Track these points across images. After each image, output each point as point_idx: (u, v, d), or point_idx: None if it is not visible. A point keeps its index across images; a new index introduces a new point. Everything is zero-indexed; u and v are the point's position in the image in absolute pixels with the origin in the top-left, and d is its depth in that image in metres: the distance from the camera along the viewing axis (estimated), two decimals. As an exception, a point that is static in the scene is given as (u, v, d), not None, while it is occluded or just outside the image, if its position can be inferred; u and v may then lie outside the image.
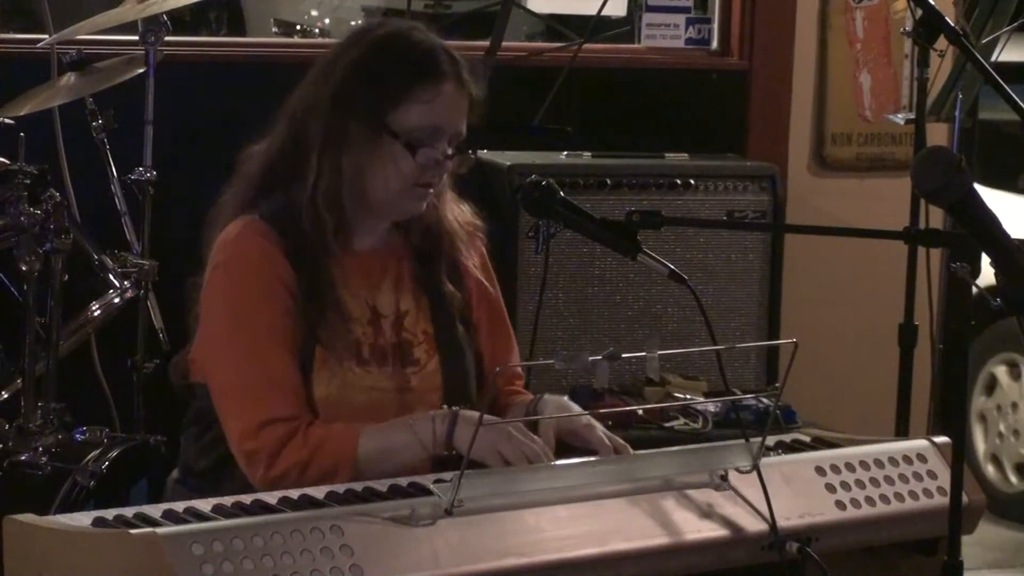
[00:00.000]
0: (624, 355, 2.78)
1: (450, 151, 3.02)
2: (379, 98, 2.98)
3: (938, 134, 4.95)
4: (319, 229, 2.99)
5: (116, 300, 4.17)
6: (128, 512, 2.56)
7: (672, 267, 2.93)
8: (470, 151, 3.09)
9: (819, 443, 3.08)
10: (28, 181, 3.90)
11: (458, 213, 3.16)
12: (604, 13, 5.28)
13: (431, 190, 3.04)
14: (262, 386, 2.93)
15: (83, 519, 2.51)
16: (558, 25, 5.92)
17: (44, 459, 3.72)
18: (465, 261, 3.17)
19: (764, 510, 2.73)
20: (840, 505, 2.84)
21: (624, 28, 6.25)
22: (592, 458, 2.89)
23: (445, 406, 2.95)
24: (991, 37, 4.68)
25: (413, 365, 3.07)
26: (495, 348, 3.20)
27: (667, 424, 4.51)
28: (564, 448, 2.97)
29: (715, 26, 5.66)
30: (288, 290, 2.97)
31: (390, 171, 3.00)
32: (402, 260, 3.12)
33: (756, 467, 2.76)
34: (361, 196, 3.02)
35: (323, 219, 2.99)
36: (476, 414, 2.88)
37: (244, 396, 2.94)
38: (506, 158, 4.89)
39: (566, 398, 3.14)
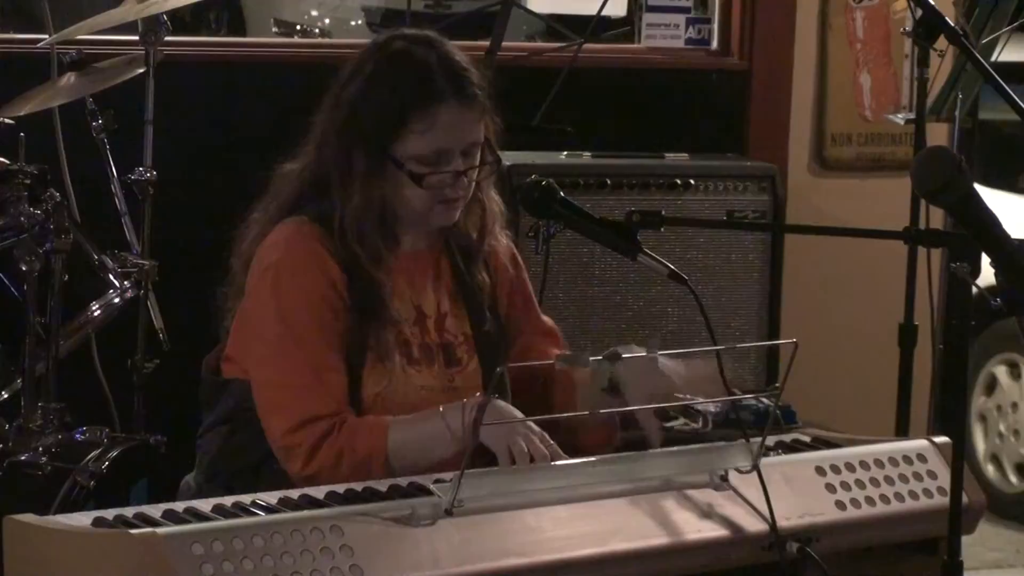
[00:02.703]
0: (624, 355, 2.77)
1: (465, 163, 3.03)
2: (379, 131, 3.01)
3: (938, 134, 4.95)
4: (353, 255, 3.03)
5: (116, 300, 4.16)
6: (128, 512, 2.55)
7: (672, 267, 2.93)
8: (495, 155, 3.11)
9: (819, 443, 3.08)
10: (28, 181, 3.90)
11: (496, 200, 3.20)
12: (604, 13, 5.27)
13: (458, 202, 3.07)
14: (307, 384, 2.96)
15: (83, 519, 2.51)
16: (558, 25, 5.91)
17: (44, 459, 3.72)
18: (497, 247, 3.21)
19: (764, 510, 2.73)
20: (840, 505, 2.84)
21: (624, 28, 6.26)
22: (592, 458, 2.89)
23: (478, 394, 2.98)
24: (991, 37, 4.68)
25: (456, 365, 3.12)
26: (528, 333, 3.24)
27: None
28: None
29: (715, 26, 5.66)
30: (337, 292, 3.02)
31: (404, 197, 3.04)
32: (441, 260, 3.17)
33: (756, 467, 2.76)
34: (391, 214, 3.06)
35: (354, 249, 3.03)
36: (507, 406, 2.91)
37: (288, 393, 2.98)
38: (506, 158, 4.83)
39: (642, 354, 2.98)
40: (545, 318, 3.31)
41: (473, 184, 3.08)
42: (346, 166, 3.03)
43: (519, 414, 2.91)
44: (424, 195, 3.02)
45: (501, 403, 2.92)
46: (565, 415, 3.03)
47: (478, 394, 2.97)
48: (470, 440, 2.85)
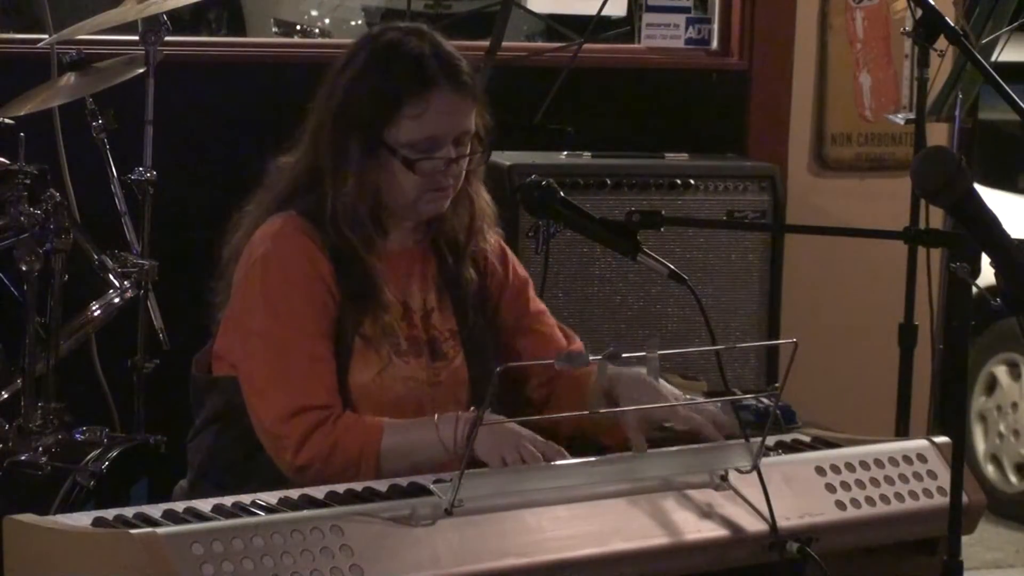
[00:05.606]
0: (624, 355, 2.78)
1: (457, 152, 3.04)
2: (373, 116, 3.03)
3: (938, 134, 4.95)
4: (346, 241, 3.04)
5: (116, 300, 4.16)
6: (128, 512, 2.56)
7: (672, 267, 2.93)
8: (485, 147, 3.10)
9: (819, 443, 3.08)
10: (28, 181, 3.90)
11: (486, 198, 3.20)
12: (604, 13, 5.28)
13: (448, 191, 3.07)
14: (297, 375, 2.97)
15: (83, 519, 2.51)
16: (558, 25, 5.91)
17: (44, 459, 3.72)
18: (485, 247, 3.20)
19: (764, 510, 2.73)
20: (840, 505, 2.84)
21: (624, 28, 6.25)
22: (592, 458, 2.89)
23: (472, 407, 2.97)
24: (991, 37, 4.68)
25: (442, 359, 3.12)
26: (530, 332, 3.23)
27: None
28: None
29: (715, 26, 5.66)
30: (326, 284, 3.02)
31: (396, 183, 3.04)
32: (428, 257, 3.16)
33: (756, 467, 2.76)
34: (381, 205, 3.07)
35: (346, 235, 3.04)
36: (500, 418, 2.89)
37: (278, 384, 2.98)
38: (506, 158, 4.88)
39: (643, 372, 2.95)
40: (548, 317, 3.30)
41: (463, 174, 3.09)
42: (341, 154, 3.03)
43: (511, 424, 2.88)
44: (416, 182, 3.03)
45: (493, 416, 2.91)
46: (558, 416, 3.04)
47: (472, 408, 2.98)
48: (464, 455, 2.87)
